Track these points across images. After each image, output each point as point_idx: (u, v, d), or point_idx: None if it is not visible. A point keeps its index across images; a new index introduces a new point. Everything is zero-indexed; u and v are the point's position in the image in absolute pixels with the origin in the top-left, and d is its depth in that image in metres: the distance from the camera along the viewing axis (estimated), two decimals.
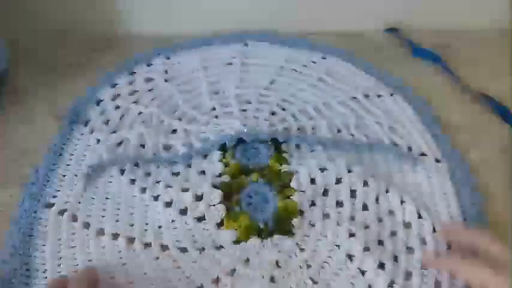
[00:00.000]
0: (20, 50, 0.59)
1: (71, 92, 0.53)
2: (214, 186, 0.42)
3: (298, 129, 0.48)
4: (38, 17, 0.61)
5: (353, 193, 0.43)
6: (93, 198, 0.42)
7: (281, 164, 0.44)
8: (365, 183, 0.43)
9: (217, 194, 0.41)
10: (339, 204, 0.42)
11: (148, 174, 0.44)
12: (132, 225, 0.40)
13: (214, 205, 0.41)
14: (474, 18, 0.64)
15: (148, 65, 0.57)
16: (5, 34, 0.55)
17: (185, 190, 0.42)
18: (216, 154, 0.46)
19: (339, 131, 0.48)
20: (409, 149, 0.48)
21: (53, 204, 0.41)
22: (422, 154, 0.47)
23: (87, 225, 0.40)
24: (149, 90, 0.53)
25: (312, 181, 0.43)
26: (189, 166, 0.45)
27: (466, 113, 0.53)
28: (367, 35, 0.65)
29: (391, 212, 0.42)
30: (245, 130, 0.45)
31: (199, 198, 0.41)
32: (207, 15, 0.63)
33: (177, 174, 0.44)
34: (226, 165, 0.45)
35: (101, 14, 0.62)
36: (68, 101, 0.52)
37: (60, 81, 0.55)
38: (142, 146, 0.47)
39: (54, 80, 0.55)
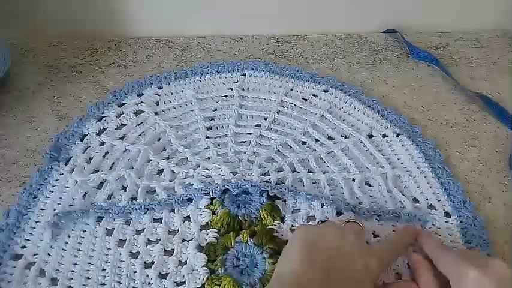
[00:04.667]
0: (22, 51, 0.60)
1: (72, 93, 0.55)
2: (199, 246, 0.38)
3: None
4: (40, 18, 0.62)
5: None
6: (64, 250, 0.38)
7: (273, 219, 0.40)
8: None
9: (202, 259, 0.37)
10: None
11: (127, 222, 0.41)
12: (103, 284, 0.36)
13: (196, 270, 0.37)
14: (471, 19, 0.66)
15: (139, 95, 0.54)
16: (7, 34, 0.55)
17: (168, 253, 0.38)
18: (204, 200, 0.42)
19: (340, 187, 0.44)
20: (416, 200, 0.43)
21: (20, 256, 0.37)
22: (431, 207, 0.43)
23: (55, 282, 0.36)
24: (138, 125, 0.50)
25: None
26: (173, 210, 0.42)
27: (464, 113, 0.54)
28: (366, 36, 0.66)
29: (397, 276, 0.37)
30: (233, 180, 0.41)
31: (182, 263, 0.38)
32: (207, 16, 0.63)
33: (159, 220, 0.41)
34: (213, 212, 0.41)
35: (102, 15, 0.62)
36: (69, 102, 0.53)
37: (62, 81, 0.56)
38: (124, 188, 0.43)
39: (56, 81, 0.56)
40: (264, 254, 0.37)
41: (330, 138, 0.49)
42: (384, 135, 0.50)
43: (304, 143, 0.49)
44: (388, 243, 0.36)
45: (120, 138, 0.48)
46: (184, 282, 0.36)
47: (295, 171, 0.45)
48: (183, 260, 0.38)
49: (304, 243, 0.31)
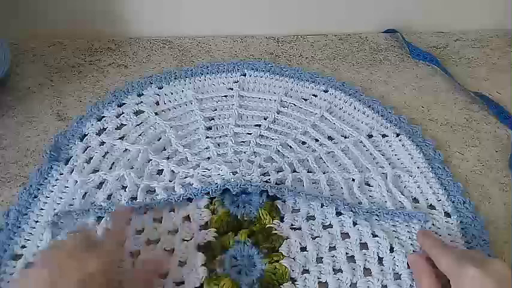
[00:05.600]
0: (22, 51, 0.60)
1: (72, 93, 0.55)
2: (199, 246, 0.38)
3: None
4: (40, 18, 0.62)
5: (351, 258, 0.38)
6: None
7: (273, 218, 0.40)
8: (364, 246, 0.39)
9: (200, 258, 0.37)
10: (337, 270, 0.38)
11: (127, 222, 0.40)
12: None
13: (196, 269, 0.37)
14: (471, 19, 0.66)
15: (139, 95, 0.54)
16: (7, 35, 0.55)
17: (169, 251, 0.38)
18: (203, 200, 0.42)
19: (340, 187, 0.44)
20: (416, 200, 0.43)
21: (20, 256, 0.37)
22: (431, 207, 0.43)
23: None
24: (138, 125, 0.50)
25: (303, 249, 0.39)
26: (173, 210, 0.42)
27: (464, 113, 0.54)
28: (366, 36, 0.66)
29: (396, 276, 0.37)
30: (233, 180, 0.41)
31: (182, 263, 0.37)
32: (207, 16, 0.63)
33: (159, 220, 0.41)
34: (213, 212, 0.41)
35: (102, 15, 0.62)
36: (69, 102, 0.53)
37: (62, 81, 0.56)
38: (124, 187, 0.43)
39: (56, 81, 0.56)
40: (261, 253, 0.38)
41: (330, 138, 0.50)
42: (383, 135, 0.50)
43: (304, 143, 0.49)
44: (107, 235, 0.35)
45: (120, 138, 0.48)
46: (183, 282, 0.36)
47: (295, 171, 0.45)
48: (182, 260, 0.38)
49: None
